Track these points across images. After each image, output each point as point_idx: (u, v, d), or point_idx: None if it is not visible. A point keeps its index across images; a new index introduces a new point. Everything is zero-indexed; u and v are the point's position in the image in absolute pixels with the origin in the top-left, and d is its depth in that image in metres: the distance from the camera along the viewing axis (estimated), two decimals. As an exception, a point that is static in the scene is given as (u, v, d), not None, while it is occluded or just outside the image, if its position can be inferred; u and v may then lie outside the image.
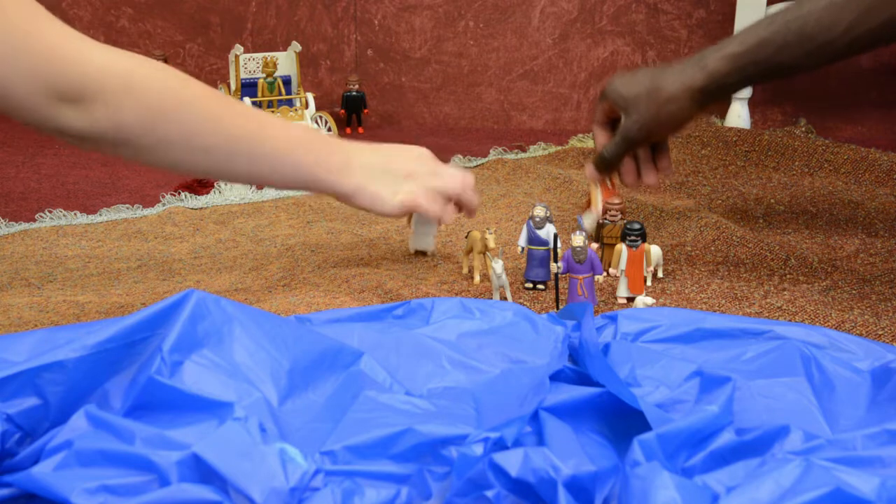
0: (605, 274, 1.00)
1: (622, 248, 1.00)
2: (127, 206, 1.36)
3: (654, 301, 0.97)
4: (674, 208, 1.28)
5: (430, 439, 0.61)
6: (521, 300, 1.00)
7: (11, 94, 0.71)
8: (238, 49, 1.68)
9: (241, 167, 0.86)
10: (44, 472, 0.55)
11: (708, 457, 0.60)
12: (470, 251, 1.06)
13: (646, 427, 0.59)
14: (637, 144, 1.01)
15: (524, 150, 1.69)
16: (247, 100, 1.65)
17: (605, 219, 1.09)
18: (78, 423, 0.59)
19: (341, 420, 0.64)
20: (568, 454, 0.57)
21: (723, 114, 1.75)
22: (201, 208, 1.36)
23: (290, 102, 1.69)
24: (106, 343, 0.63)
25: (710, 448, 0.60)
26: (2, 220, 1.28)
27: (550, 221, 1.02)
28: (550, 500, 0.55)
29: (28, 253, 1.17)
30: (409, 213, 1.05)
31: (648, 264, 1.00)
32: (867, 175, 1.42)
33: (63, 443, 0.57)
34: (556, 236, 0.98)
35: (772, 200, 1.34)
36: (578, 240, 0.96)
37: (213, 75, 2.03)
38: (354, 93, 1.85)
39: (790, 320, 0.93)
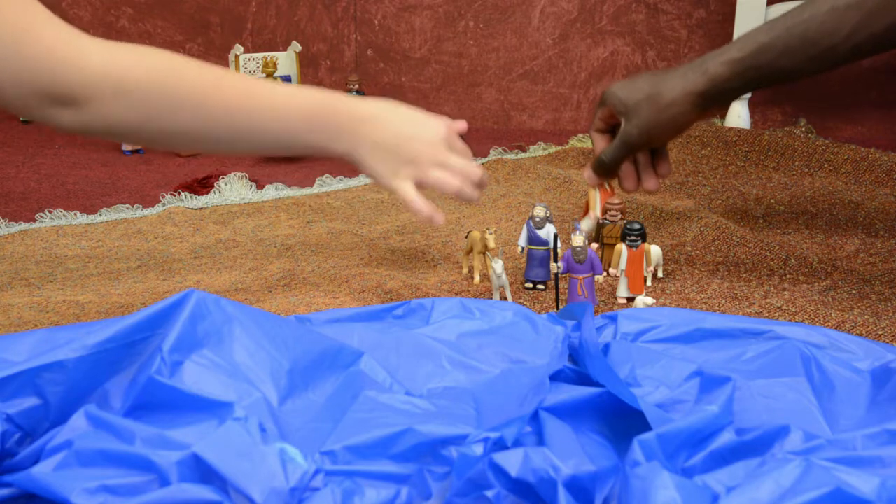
0: (605, 274, 1.00)
1: (622, 248, 1.00)
2: (127, 206, 1.36)
3: (654, 301, 0.97)
4: (674, 208, 1.28)
5: (430, 439, 0.61)
6: (521, 300, 1.00)
7: (2, 94, 0.71)
8: (238, 49, 1.68)
9: (242, 151, 0.89)
10: (44, 472, 0.55)
11: (708, 457, 0.60)
12: (470, 251, 1.06)
13: (646, 427, 0.59)
14: (637, 149, 1.01)
15: (524, 150, 1.69)
16: None
17: (605, 219, 1.09)
18: (78, 423, 0.59)
19: (341, 420, 0.64)
20: (568, 454, 0.57)
21: (723, 114, 1.75)
22: (201, 208, 1.36)
23: (290, 102, 1.68)
24: (106, 343, 0.63)
25: (710, 448, 0.60)
26: (2, 220, 1.28)
27: (550, 221, 1.02)
28: (550, 500, 0.55)
29: (28, 253, 1.17)
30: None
31: (648, 264, 1.00)
32: (867, 175, 1.42)
33: (63, 443, 0.57)
34: (556, 236, 0.98)
35: (772, 200, 1.34)
36: (578, 240, 0.96)
37: (213, 75, 2.02)
38: (354, 93, 1.85)
39: (790, 320, 0.93)
